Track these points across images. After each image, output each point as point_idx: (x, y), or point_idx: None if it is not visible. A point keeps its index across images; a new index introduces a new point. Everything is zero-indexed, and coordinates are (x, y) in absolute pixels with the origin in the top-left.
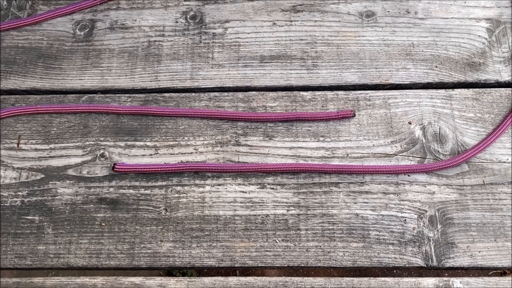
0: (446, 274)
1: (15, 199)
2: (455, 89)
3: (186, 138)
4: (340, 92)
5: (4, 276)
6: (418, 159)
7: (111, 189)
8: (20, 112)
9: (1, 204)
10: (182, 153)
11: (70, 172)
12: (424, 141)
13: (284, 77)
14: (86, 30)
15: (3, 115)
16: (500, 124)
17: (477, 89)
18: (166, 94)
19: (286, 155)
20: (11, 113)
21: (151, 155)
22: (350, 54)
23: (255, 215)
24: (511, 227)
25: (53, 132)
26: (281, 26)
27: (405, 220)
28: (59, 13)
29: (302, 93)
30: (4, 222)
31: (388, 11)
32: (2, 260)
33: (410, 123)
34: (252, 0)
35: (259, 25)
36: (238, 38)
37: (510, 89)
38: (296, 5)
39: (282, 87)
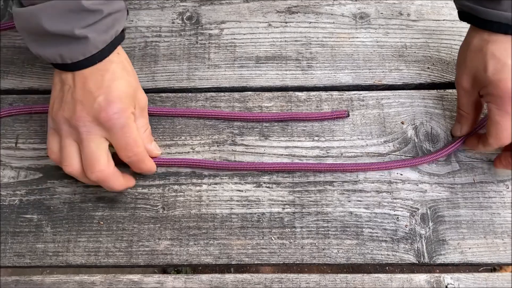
0: (438, 271)
1: (13, 198)
2: (447, 90)
3: (183, 137)
4: (335, 93)
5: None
6: (411, 158)
7: None
8: (17, 112)
9: (0, 203)
10: (179, 152)
11: None
12: (416, 140)
13: (280, 78)
14: None
15: (1, 115)
16: (482, 119)
17: None
18: (163, 94)
19: (282, 155)
20: (9, 113)
21: None
22: (344, 55)
23: (251, 213)
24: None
25: None
26: (277, 27)
27: (397, 217)
28: None
29: (297, 93)
30: (2, 221)
31: (382, 13)
32: (1, 259)
33: (402, 123)
34: (247, 2)
35: (255, 26)
36: (234, 39)
37: None
38: (291, 6)
39: (278, 88)
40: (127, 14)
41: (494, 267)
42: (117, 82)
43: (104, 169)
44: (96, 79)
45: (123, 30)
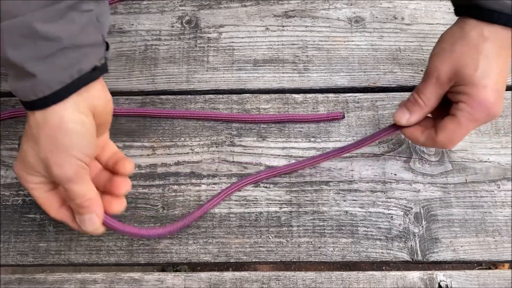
0: (433, 269)
1: (16, 198)
2: None
3: (182, 138)
4: (330, 95)
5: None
6: (404, 158)
7: None
8: (20, 114)
9: (3, 203)
10: (178, 153)
11: None
12: (409, 141)
13: (277, 80)
14: None
15: (4, 116)
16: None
17: None
18: (163, 96)
19: (279, 155)
20: (11, 114)
21: (148, 155)
22: (339, 58)
23: (249, 212)
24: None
25: None
26: (274, 31)
27: (391, 216)
28: None
29: (294, 95)
30: (6, 220)
31: (376, 17)
32: (4, 257)
33: None
34: (245, 6)
35: (253, 30)
36: (232, 42)
37: None
38: (288, 10)
39: (275, 90)
40: (107, 49)
41: (489, 266)
42: (25, 146)
43: (53, 217)
44: (26, 130)
45: (100, 69)
